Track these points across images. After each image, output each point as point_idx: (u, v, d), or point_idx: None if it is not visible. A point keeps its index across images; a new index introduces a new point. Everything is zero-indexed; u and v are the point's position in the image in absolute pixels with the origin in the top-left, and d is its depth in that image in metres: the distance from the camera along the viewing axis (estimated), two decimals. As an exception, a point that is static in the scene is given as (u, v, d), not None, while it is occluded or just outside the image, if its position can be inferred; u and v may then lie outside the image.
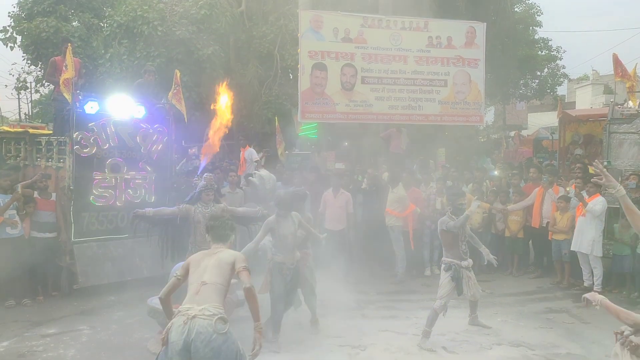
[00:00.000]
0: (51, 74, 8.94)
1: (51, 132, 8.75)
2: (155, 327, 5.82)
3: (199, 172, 8.20)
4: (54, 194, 7.73)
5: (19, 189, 7.47)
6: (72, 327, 6.49)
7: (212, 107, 7.27)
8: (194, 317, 3.46)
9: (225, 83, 7.47)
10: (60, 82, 7.69)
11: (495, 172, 10.80)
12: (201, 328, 3.42)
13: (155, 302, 5.84)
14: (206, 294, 3.58)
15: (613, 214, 8.39)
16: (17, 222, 7.29)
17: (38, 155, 8.49)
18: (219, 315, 3.51)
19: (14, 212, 7.31)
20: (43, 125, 9.53)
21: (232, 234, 4.00)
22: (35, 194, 7.58)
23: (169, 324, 3.56)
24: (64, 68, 7.76)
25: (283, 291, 5.86)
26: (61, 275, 7.78)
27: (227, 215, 4.26)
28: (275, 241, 5.91)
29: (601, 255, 7.97)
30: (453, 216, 6.07)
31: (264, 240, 5.96)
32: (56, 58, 8.93)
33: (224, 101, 6.98)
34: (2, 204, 7.20)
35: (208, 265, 3.74)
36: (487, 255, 6.37)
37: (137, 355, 5.56)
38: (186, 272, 3.79)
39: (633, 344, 3.16)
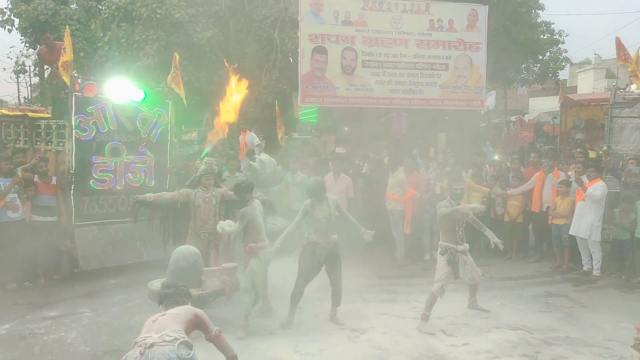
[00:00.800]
0: (40, 65, 9.00)
1: (50, 115, 8.72)
2: (156, 309, 5.84)
3: (201, 156, 8.21)
4: (54, 178, 7.73)
5: (20, 173, 7.47)
6: (73, 309, 6.54)
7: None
8: (151, 345, 3.01)
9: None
10: (59, 65, 7.64)
11: (496, 157, 10.76)
12: (161, 355, 2.97)
13: (155, 285, 5.88)
14: (165, 322, 3.19)
15: (613, 199, 8.40)
16: (18, 205, 7.31)
17: (37, 139, 8.48)
18: (182, 340, 3.09)
19: (15, 195, 7.34)
20: (42, 108, 9.48)
21: (187, 300, 3.57)
22: (36, 178, 7.59)
23: (124, 358, 3.10)
24: (62, 51, 7.71)
25: (310, 268, 5.93)
26: (62, 259, 7.83)
27: (181, 283, 3.84)
28: (311, 223, 6.02)
29: (600, 240, 7.98)
30: (452, 201, 6.08)
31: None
32: (41, 47, 8.98)
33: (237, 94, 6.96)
34: (3, 188, 7.21)
35: (164, 314, 3.35)
36: (493, 238, 6.38)
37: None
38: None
39: None
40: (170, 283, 3.80)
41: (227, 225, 5.76)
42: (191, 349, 3.10)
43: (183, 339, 3.08)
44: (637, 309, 6.79)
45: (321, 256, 5.94)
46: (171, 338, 3.04)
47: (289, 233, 5.94)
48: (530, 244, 9.62)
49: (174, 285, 3.72)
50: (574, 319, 6.41)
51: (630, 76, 9.50)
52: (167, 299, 3.54)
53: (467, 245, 6.15)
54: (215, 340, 3.41)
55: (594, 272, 8.03)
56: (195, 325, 3.39)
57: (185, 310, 3.37)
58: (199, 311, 3.49)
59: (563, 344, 5.62)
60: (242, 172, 9.04)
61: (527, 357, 5.27)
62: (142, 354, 2.98)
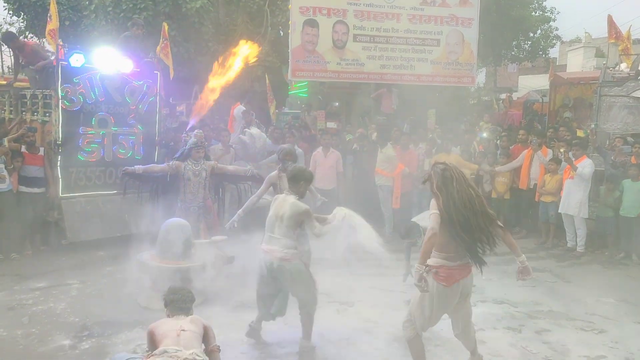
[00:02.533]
0: (16, 60, 8.78)
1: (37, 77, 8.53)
2: (145, 282, 5.87)
3: (187, 129, 8.12)
4: (41, 149, 7.63)
5: (6, 143, 7.36)
6: (62, 281, 6.52)
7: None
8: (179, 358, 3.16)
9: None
10: (46, 33, 7.49)
11: (484, 134, 10.81)
12: None
13: (145, 257, 5.89)
14: (188, 339, 3.34)
15: (599, 177, 8.51)
16: (5, 176, 7.21)
17: (23, 109, 8.33)
18: (203, 358, 3.31)
19: (2, 166, 7.22)
20: (27, 77, 9.26)
21: (191, 306, 3.70)
22: (23, 149, 7.47)
23: None
24: (48, 19, 7.53)
25: None
26: (50, 231, 7.77)
27: (186, 288, 3.91)
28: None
29: (587, 217, 8.11)
30: None
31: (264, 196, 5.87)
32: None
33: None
34: (-12, 159, 7.11)
35: (180, 322, 3.50)
36: None
37: (127, 308, 5.62)
38: (154, 337, 3.45)
39: None
40: (176, 288, 3.81)
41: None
42: None
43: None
44: (619, 284, 6.97)
45: None
46: (197, 354, 3.23)
47: (250, 204, 5.71)
48: (515, 221, 9.73)
49: (180, 291, 3.75)
50: (557, 293, 6.56)
51: (620, 54, 9.53)
52: (173, 304, 3.63)
53: None
54: (212, 354, 3.51)
55: (578, 249, 8.18)
56: (203, 337, 3.54)
57: (198, 327, 3.51)
58: (206, 324, 3.62)
59: (546, 317, 5.75)
60: (232, 146, 8.98)
61: (511, 330, 5.40)
62: None
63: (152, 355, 3.26)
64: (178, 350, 3.21)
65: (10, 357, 4.64)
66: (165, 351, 3.19)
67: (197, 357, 3.22)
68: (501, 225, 4.12)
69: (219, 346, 3.59)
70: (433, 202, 3.92)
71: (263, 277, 4.71)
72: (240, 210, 5.84)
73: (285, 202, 4.67)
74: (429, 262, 3.91)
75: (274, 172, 5.99)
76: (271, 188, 5.92)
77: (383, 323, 5.42)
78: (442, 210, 3.81)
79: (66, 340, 4.94)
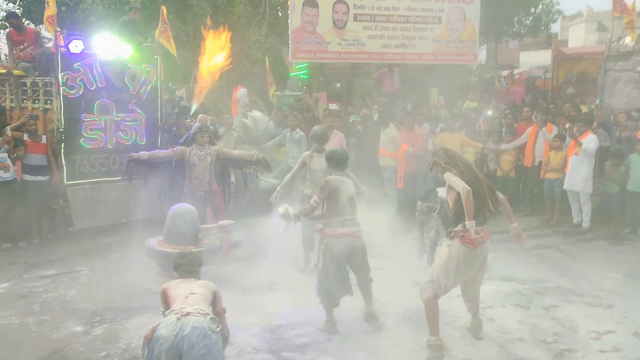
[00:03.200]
0: (10, 47, 8.68)
1: (37, 72, 8.49)
2: (154, 267, 5.90)
3: (190, 115, 8.09)
4: (44, 137, 7.60)
5: (8, 132, 7.33)
6: (70, 268, 6.56)
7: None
8: (187, 314, 3.39)
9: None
10: (44, 19, 7.41)
11: (489, 112, 10.74)
12: (196, 323, 3.35)
13: (152, 243, 5.91)
14: (196, 300, 3.56)
15: (604, 153, 8.47)
16: (8, 165, 7.20)
17: (24, 97, 8.28)
18: (212, 315, 3.51)
19: (5, 155, 7.21)
20: (22, 71, 9.18)
21: (199, 269, 3.95)
22: (25, 137, 7.45)
23: (157, 323, 3.47)
24: (46, 5, 7.45)
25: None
26: (55, 218, 7.79)
27: (194, 252, 4.17)
28: (307, 175, 6.05)
29: (591, 192, 8.11)
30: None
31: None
32: (10, 31, 8.65)
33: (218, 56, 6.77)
34: (-10, 148, 7.09)
35: (191, 285, 3.72)
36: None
37: (136, 294, 5.65)
38: (167, 298, 3.68)
39: None
40: (184, 253, 4.12)
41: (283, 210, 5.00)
42: (218, 326, 3.49)
43: (212, 316, 3.52)
44: (625, 259, 6.98)
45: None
46: (204, 312, 3.46)
47: (285, 184, 5.93)
48: (520, 198, 9.73)
49: (188, 255, 4.02)
50: (564, 270, 6.58)
51: (625, 28, 9.41)
52: (182, 268, 3.87)
53: None
54: (217, 316, 3.66)
55: (584, 224, 8.18)
56: (212, 301, 3.73)
57: (207, 291, 3.71)
58: (216, 289, 3.81)
59: (554, 293, 5.78)
60: (234, 129, 8.96)
61: (520, 307, 5.43)
62: (178, 319, 3.36)
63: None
64: (183, 307, 3.45)
65: (24, 344, 4.68)
66: (173, 310, 3.47)
67: (200, 311, 3.43)
68: (500, 194, 4.54)
69: (224, 308, 3.79)
70: (447, 175, 4.22)
71: (342, 261, 4.79)
72: (279, 187, 6.11)
73: (349, 185, 4.93)
74: (456, 228, 4.24)
75: (307, 152, 6.28)
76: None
77: (391, 303, 5.44)
78: (460, 175, 4.15)
79: (78, 327, 4.98)
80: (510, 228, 4.56)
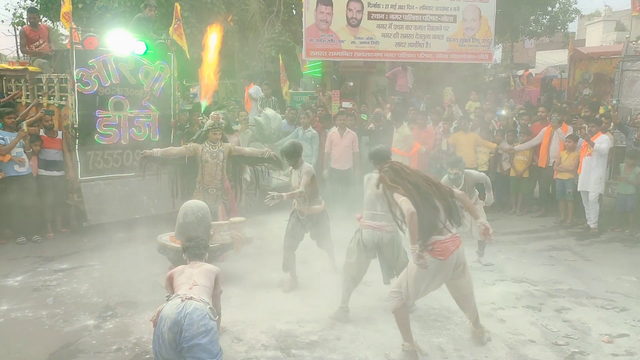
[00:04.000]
0: (23, 44, 8.80)
1: (52, 69, 8.61)
2: (166, 262, 5.94)
3: (201, 113, 8.12)
4: (60, 132, 7.70)
5: (25, 127, 7.43)
6: (84, 262, 6.64)
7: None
8: (191, 297, 3.64)
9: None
10: (61, 16, 7.50)
11: (503, 112, 10.64)
12: (198, 305, 3.60)
13: (164, 238, 5.95)
14: (198, 291, 3.77)
15: (620, 154, 8.35)
16: (24, 160, 7.30)
17: (39, 93, 8.39)
18: (211, 306, 3.73)
19: (21, 150, 7.31)
20: (37, 67, 9.30)
21: (206, 252, 4.22)
22: (41, 132, 7.55)
23: (162, 306, 3.71)
24: (61, 2, 7.54)
25: (293, 234, 5.86)
26: (70, 213, 7.88)
27: (201, 235, 4.49)
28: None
29: (602, 192, 8.02)
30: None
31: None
32: (25, 27, 8.79)
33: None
34: (8, 142, 7.18)
35: (194, 272, 3.93)
36: (489, 200, 6.63)
37: (149, 289, 5.69)
38: (172, 283, 3.94)
39: None
40: (191, 236, 4.33)
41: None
42: (216, 316, 3.76)
43: (212, 307, 3.74)
44: (640, 262, 6.88)
45: (306, 224, 5.81)
46: (206, 301, 3.71)
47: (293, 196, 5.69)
48: (534, 199, 9.64)
49: (195, 239, 4.24)
50: (577, 272, 6.50)
51: (644, 27, 9.27)
52: (189, 251, 4.15)
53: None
54: (214, 298, 3.96)
55: (592, 226, 8.09)
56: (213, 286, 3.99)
57: (210, 281, 3.94)
58: (218, 272, 4.07)
59: (566, 295, 5.72)
60: (250, 127, 8.97)
61: (531, 309, 5.37)
62: (182, 301, 3.61)
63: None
64: (187, 293, 3.72)
65: (37, 336, 4.74)
66: (177, 295, 3.73)
67: (202, 299, 3.68)
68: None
69: (221, 290, 4.15)
70: (395, 195, 4.11)
71: (367, 251, 5.04)
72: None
73: (372, 180, 4.97)
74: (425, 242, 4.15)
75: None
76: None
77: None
78: (407, 194, 4.04)
79: (90, 320, 5.04)
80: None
